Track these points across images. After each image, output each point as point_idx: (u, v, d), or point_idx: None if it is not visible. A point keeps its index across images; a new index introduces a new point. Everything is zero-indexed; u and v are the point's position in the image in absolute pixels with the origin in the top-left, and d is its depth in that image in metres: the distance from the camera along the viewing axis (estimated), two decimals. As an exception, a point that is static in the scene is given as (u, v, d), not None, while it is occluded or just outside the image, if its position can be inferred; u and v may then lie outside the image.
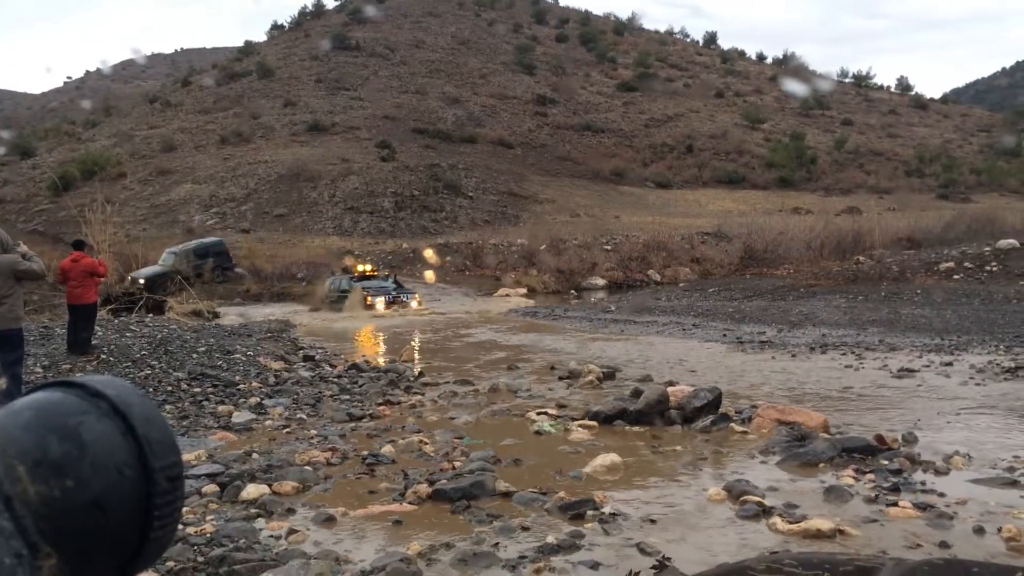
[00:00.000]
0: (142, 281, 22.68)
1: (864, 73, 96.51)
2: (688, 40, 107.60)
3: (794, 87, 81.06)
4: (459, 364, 12.89)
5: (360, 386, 10.38)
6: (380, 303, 23.89)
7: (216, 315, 20.94)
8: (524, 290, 29.28)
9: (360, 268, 27.85)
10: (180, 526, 4.47)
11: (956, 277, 20.81)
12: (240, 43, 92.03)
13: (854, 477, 5.72)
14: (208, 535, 4.74)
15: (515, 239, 37.30)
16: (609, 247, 34.07)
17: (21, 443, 0.58)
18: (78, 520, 0.58)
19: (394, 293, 24.97)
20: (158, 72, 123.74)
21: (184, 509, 5.30)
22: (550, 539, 4.61)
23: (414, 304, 24.48)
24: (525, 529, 4.87)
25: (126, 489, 0.60)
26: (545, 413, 8.21)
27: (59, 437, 0.59)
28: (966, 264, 21.65)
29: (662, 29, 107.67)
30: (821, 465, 6.06)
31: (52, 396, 0.62)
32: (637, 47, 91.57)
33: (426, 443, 7.08)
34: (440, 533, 4.85)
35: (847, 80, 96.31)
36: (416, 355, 14.32)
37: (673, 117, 73.77)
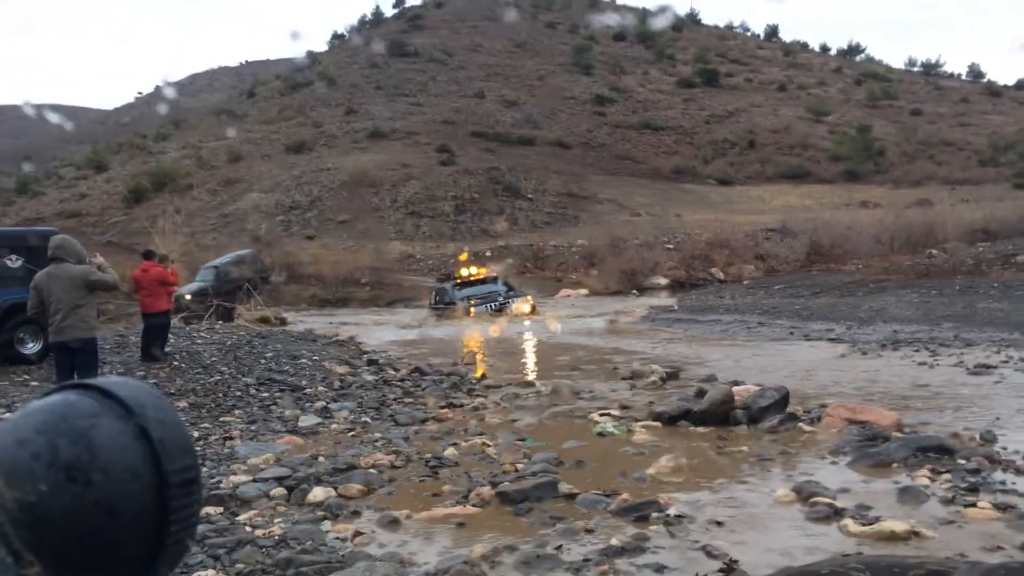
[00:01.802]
0: (188, 296, 22.44)
1: (933, 61, 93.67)
2: (749, 34, 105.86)
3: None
4: (520, 366, 12.89)
5: (423, 389, 10.46)
6: (484, 314, 20.95)
7: (283, 321, 21.30)
8: (585, 291, 29.16)
9: (463, 272, 24.14)
10: (248, 528, 4.57)
11: (1035, 269, 20.00)
12: (302, 54, 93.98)
13: (930, 477, 5.53)
14: (276, 537, 4.82)
15: (575, 240, 37.19)
16: (671, 246, 33.76)
17: (33, 445, 0.58)
18: (71, 525, 0.56)
19: (501, 300, 21.86)
20: (224, 84, 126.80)
21: (253, 512, 5.41)
22: (614, 541, 4.57)
23: (526, 308, 21.52)
24: (589, 531, 4.83)
25: (138, 493, 0.59)
26: (608, 414, 8.15)
27: (70, 440, 0.58)
28: (1046, 255, 20.79)
29: (722, 24, 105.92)
30: (895, 465, 5.88)
31: (66, 398, 0.62)
32: (696, 43, 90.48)
33: (488, 445, 7.09)
34: (503, 535, 4.85)
35: (916, 69, 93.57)
36: (478, 358, 14.36)
37: (734, 112, 72.60)
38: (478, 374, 11.75)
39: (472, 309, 21.13)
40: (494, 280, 23.57)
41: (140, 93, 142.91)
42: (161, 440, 0.61)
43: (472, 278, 23.46)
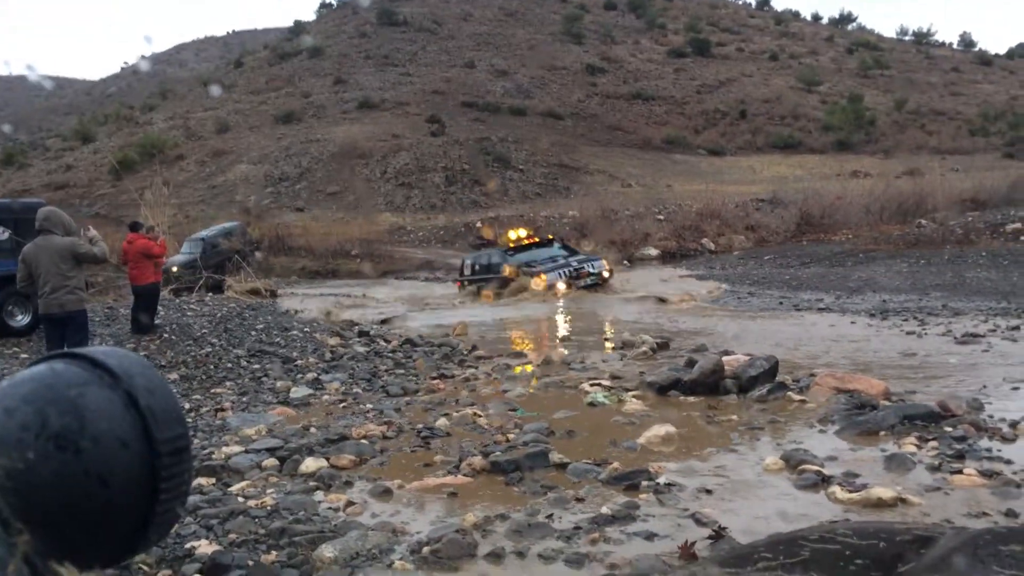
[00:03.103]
0: (174, 269, 22.23)
1: (925, 30, 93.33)
2: (740, 3, 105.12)
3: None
4: (511, 337, 12.91)
5: (414, 360, 10.48)
6: (561, 284, 17.41)
7: (274, 294, 21.20)
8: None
9: (513, 236, 20.41)
10: (241, 499, 4.59)
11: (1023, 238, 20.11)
12: (290, 23, 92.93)
13: (916, 445, 5.58)
14: (268, 508, 4.84)
15: (566, 211, 37.11)
16: (662, 217, 33.70)
17: (21, 415, 0.57)
18: (60, 493, 0.55)
19: (575, 264, 18.16)
20: (211, 55, 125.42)
21: (245, 483, 5.43)
22: (605, 510, 4.61)
23: (605, 274, 18.00)
24: (579, 500, 4.88)
25: (127, 461, 0.58)
26: (598, 384, 8.18)
27: (59, 409, 0.57)
28: (1034, 225, 20.88)
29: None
30: (882, 433, 5.93)
31: (54, 367, 0.61)
32: (687, 12, 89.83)
33: (480, 416, 7.12)
34: (495, 505, 4.89)
35: (907, 38, 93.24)
36: (468, 329, 14.37)
37: (725, 82, 72.25)
38: (468, 345, 11.75)
39: (543, 276, 17.56)
40: (550, 243, 20.05)
41: (126, 63, 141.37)
42: (150, 408, 0.60)
43: (525, 242, 19.84)
